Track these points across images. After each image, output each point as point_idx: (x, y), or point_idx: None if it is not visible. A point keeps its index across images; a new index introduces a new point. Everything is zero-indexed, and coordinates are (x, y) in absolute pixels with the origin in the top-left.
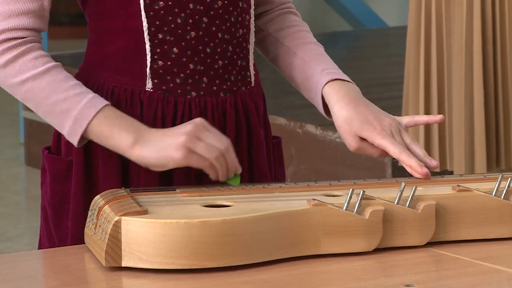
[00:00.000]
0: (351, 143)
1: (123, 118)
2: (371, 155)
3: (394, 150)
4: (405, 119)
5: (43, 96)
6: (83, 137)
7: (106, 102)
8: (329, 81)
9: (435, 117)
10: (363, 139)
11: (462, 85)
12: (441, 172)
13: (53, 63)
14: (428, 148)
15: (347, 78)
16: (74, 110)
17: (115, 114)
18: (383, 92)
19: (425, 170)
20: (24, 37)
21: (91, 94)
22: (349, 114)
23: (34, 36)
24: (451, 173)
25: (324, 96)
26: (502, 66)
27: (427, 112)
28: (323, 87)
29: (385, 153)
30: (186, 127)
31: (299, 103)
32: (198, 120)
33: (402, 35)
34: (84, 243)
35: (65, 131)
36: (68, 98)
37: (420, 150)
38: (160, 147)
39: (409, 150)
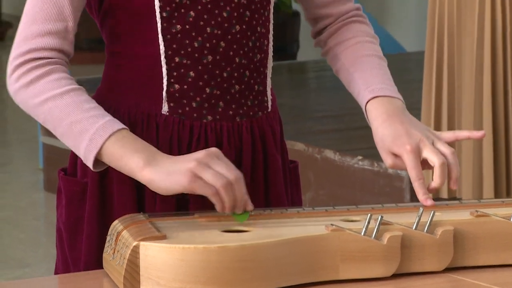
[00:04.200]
0: (386, 160)
1: (137, 141)
2: (406, 170)
3: (412, 175)
4: (445, 134)
5: (61, 117)
6: (98, 160)
7: (122, 126)
8: (370, 99)
9: (477, 133)
10: (397, 156)
11: (472, 111)
12: (449, 199)
13: (75, 85)
14: None
15: (391, 93)
16: (90, 131)
17: (130, 137)
18: None
19: (430, 203)
20: (49, 58)
21: (107, 117)
22: (384, 131)
23: (59, 58)
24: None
25: (367, 114)
26: None
27: None
28: (366, 105)
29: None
30: (198, 154)
31: (318, 129)
32: (213, 148)
33: (421, 60)
34: (98, 266)
35: (81, 152)
36: (85, 120)
37: (455, 168)
38: (169, 171)
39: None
